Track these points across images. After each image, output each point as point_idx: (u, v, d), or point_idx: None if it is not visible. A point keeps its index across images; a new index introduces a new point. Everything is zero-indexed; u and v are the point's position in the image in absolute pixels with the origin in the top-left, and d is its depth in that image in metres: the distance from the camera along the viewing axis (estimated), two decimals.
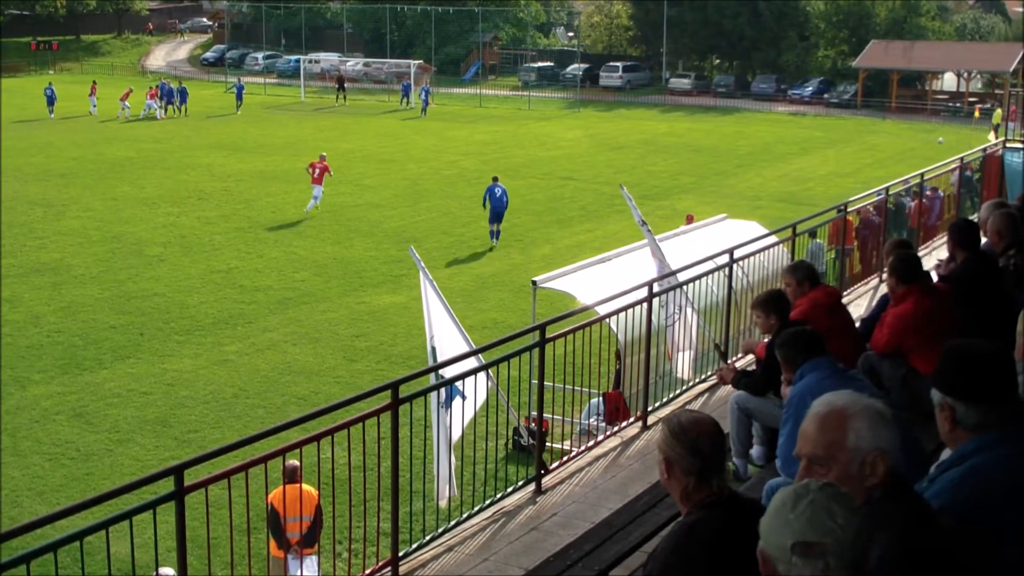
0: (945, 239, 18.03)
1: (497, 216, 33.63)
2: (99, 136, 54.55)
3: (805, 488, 3.13)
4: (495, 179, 34.72)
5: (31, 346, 23.31)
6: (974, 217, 15.96)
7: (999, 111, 56.12)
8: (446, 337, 11.54)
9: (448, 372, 9.43)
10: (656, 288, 11.49)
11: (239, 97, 67.89)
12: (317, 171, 37.74)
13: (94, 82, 69.47)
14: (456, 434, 10.36)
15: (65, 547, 5.89)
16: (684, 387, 11.98)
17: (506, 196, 34.06)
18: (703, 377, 12.21)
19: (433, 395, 9.82)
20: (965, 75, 74.80)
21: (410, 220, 36.27)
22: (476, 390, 9.78)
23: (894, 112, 70.82)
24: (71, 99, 67.65)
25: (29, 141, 47.30)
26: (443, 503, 10.31)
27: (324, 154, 40.44)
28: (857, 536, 3.03)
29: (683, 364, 12.62)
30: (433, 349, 11.37)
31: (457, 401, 10.06)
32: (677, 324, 12.48)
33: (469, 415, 10.18)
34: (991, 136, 51.84)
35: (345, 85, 74.84)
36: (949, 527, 3.54)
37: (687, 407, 10.63)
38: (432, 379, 9.52)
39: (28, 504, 16.24)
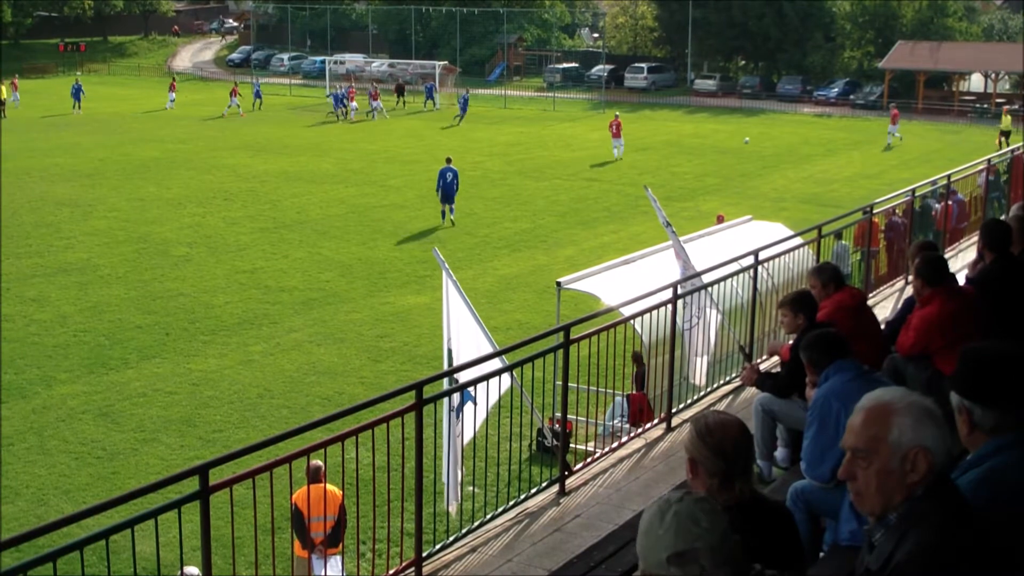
0: (970, 242, 17.98)
1: (448, 197, 35.67)
2: (129, 136, 54.81)
3: (667, 503, 3.25)
4: (448, 160, 36.48)
5: (58, 345, 23.46)
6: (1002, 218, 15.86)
7: (1008, 118, 55.02)
8: (467, 339, 11.53)
9: (467, 375, 9.42)
10: (680, 290, 11.46)
11: (257, 95, 69.41)
12: (615, 128, 50.33)
13: (173, 78, 76.97)
14: (467, 438, 10.34)
15: (91, 545, 5.93)
16: (708, 389, 11.95)
17: (457, 180, 35.85)
18: (728, 379, 12.18)
19: (445, 401, 9.79)
20: (992, 76, 74.34)
21: (434, 221, 36.29)
22: (488, 394, 9.75)
23: (920, 113, 70.40)
24: (100, 99, 68.08)
25: (55, 142, 47.68)
26: (451, 509, 10.31)
27: (617, 113, 52.26)
28: (724, 535, 3.18)
29: (699, 370, 12.57)
30: (449, 352, 11.36)
31: (468, 407, 10.05)
32: (696, 328, 12.43)
33: (480, 418, 10.18)
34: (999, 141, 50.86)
35: (404, 91, 73.61)
36: (986, 529, 3.53)
37: (713, 409, 10.61)
38: (445, 384, 9.53)
39: (54, 503, 16.34)
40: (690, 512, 3.17)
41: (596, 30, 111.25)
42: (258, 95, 69.72)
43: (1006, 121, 54.01)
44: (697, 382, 12.41)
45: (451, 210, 36.06)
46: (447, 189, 35.81)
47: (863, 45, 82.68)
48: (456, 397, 9.93)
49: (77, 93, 65.65)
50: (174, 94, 69.99)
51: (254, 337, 24.21)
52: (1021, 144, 23.72)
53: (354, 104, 66.19)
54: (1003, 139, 50.90)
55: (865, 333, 8.53)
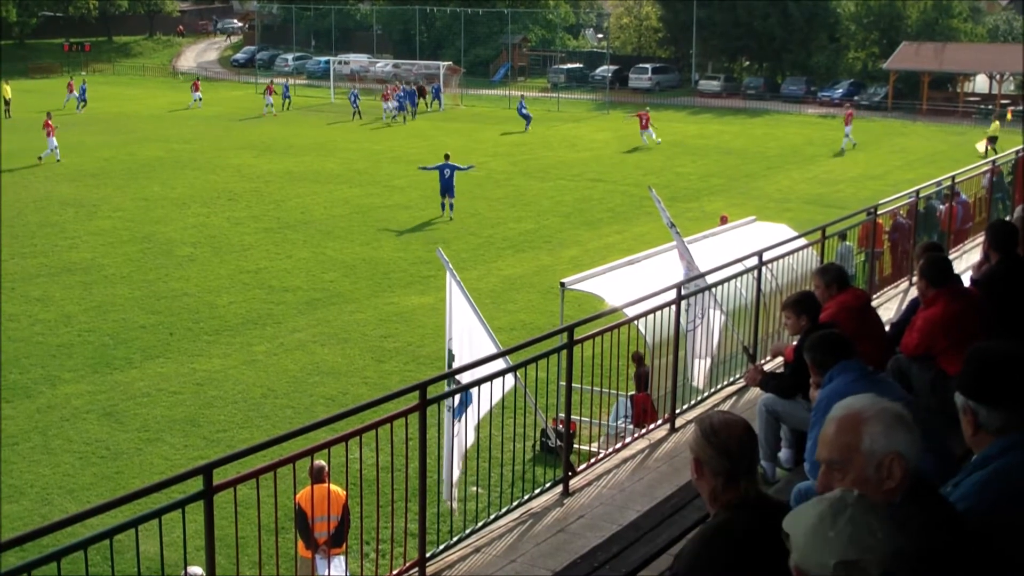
0: (974, 243, 17.96)
1: (447, 191, 36.93)
2: (134, 136, 54.85)
3: (841, 503, 3.12)
4: (447, 157, 37.59)
5: (62, 345, 23.48)
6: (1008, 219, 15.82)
7: (996, 123, 53.32)
8: (471, 339, 11.53)
9: (471, 376, 9.42)
10: (684, 291, 11.46)
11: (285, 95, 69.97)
12: (644, 120, 53.84)
13: (197, 78, 77.96)
14: (470, 441, 10.30)
15: (95, 545, 5.94)
16: (712, 390, 11.95)
17: (454, 176, 37.01)
18: (731, 379, 12.17)
19: (447, 401, 9.77)
20: (997, 77, 74.24)
21: (438, 221, 36.31)
22: (492, 395, 9.72)
23: (925, 115, 70.32)
24: (105, 99, 68.20)
25: (60, 141, 47.63)
26: (453, 506, 10.31)
27: (648, 107, 55.10)
28: (899, 549, 3.03)
29: (699, 373, 12.56)
30: (450, 352, 11.35)
31: (471, 409, 10.01)
32: (698, 330, 12.42)
33: (477, 420, 10.15)
34: (980, 146, 48.58)
35: (426, 93, 72.94)
36: (975, 530, 3.52)
37: (718, 409, 10.60)
38: (447, 385, 9.51)
39: (59, 502, 16.36)
40: (867, 519, 3.06)
41: (600, 31, 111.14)
42: (287, 96, 70.02)
43: (994, 127, 52.18)
44: (697, 385, 12.40)
45: (451, 206, 36.95)
46: (446, 184, 36.85)
47: (868, 46, 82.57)
48: (455, 400, 9.91)
49: (82, 93, 66.22)
50: (199, 93, 70.95)
51: (258, 337, 24.23)
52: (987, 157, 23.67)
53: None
54: (989, 145, 48.30)
55: (869, 334, 8.52)
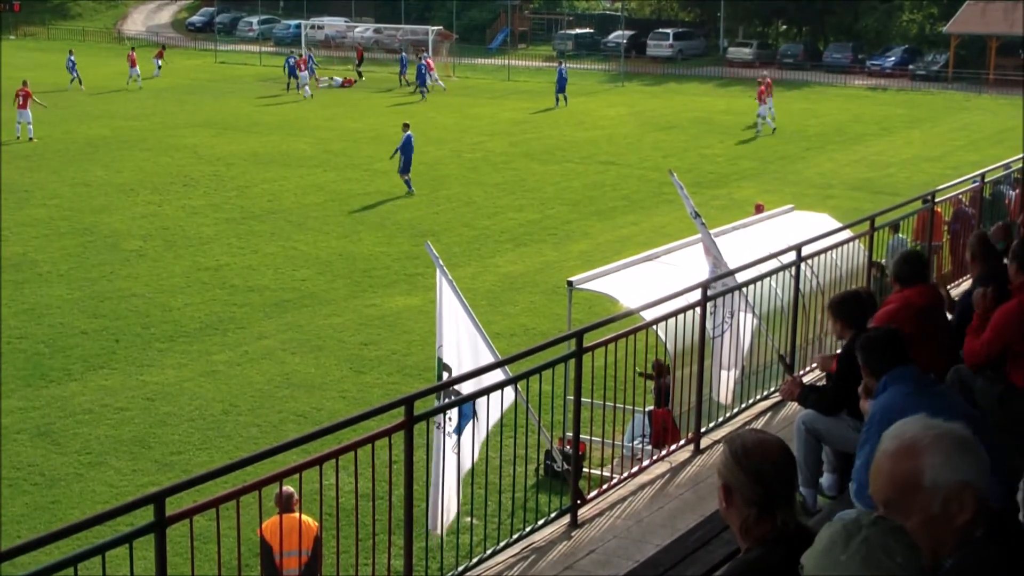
0: None
1: (408, 166, 38.46)
2: (72, 112, 54.82)
3: (856, 524, 3.18)
4: (406, 126, 39.23)
5: None
6: None
7: None
8: (464, 347, 11.52)
9: (464, 389, 9.40)
10: (711, 291, 11.46)
11: (292, 74, 66.53)
12: (765, 89, 51.44)
13: (163, 47, 77.38)
14: (466, 466, 10.27)
15: None
16: (742, 406, 11.95)
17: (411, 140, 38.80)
18: (765, 393, 12.18)
19: (439, 418, 9.74)
20: None
21: (427, 210, 36.33)
22: (489, 411, 9.70)
23: (992, 85, 70.20)
24: (40, 68, 68.15)
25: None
26: (437, 531, 10.32)
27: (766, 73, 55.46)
28: (914, 572, 3.06)
29: (724, 386, 12.55)
30: (440, 361, 11.33)
31: (470, 426, 9.98)
32: (726, 336, 12.42)
33: (480, 439, 10.14)
34: None
35: (363, 58, 73.85)
36: None
37: (750, 427, 10.60)
38: (437, 400, 9.50)
39: None
40: (883, 542, 3.13)
41: None
42: (311, 71, 66.44)
43: None
44: (724, 401, 12.39)
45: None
46: (411, 155, 38.46)
47: (925, 6, 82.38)
48: (453, 414, 9.90)
49: (71, 66, 66.20)
50: (160, 60, 71.22)
51: (218, 344, 24.22)
52: None
53: (435, 74, 66.63)
54: None
55: (930, 339, 8.47)
